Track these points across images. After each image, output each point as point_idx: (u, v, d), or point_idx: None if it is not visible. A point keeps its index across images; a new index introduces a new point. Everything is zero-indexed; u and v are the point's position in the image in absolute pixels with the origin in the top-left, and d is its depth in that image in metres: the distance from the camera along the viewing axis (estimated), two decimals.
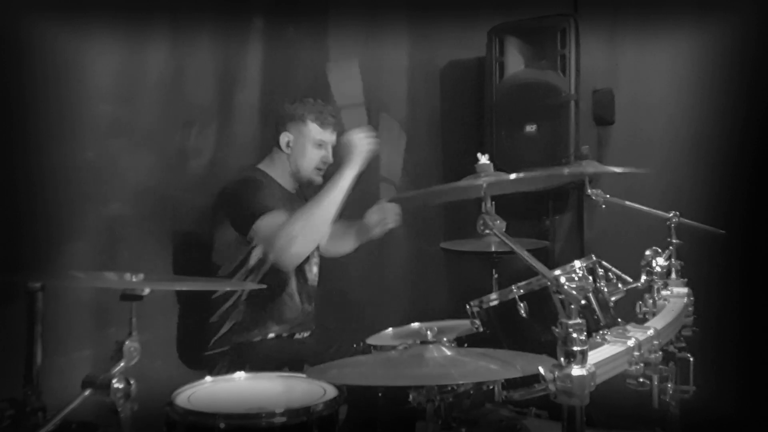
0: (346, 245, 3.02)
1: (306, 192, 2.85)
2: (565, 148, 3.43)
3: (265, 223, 2.50)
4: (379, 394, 2.24)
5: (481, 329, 2.08)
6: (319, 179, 2.77)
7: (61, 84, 2.44)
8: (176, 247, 2.86)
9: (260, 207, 2.54)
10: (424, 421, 1.88)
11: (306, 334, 2.79)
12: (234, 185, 2.68)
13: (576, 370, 1.37)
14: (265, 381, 2.04)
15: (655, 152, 3.32)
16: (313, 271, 2.86)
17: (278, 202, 2.61)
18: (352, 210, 2.91)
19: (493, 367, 1.73)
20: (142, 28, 2.72)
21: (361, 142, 2.54)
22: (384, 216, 2.93)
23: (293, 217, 2.49)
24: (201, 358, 2.68)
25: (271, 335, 2.68)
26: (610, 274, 2.14)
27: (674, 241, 2.48)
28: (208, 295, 2.69)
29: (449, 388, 1.92)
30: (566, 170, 2.84)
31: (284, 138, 2.75)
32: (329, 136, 2.76)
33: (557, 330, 1.40)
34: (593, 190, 2.75)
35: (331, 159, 2.78)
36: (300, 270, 2.76)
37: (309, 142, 2.74)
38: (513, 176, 1.79)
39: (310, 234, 2.48)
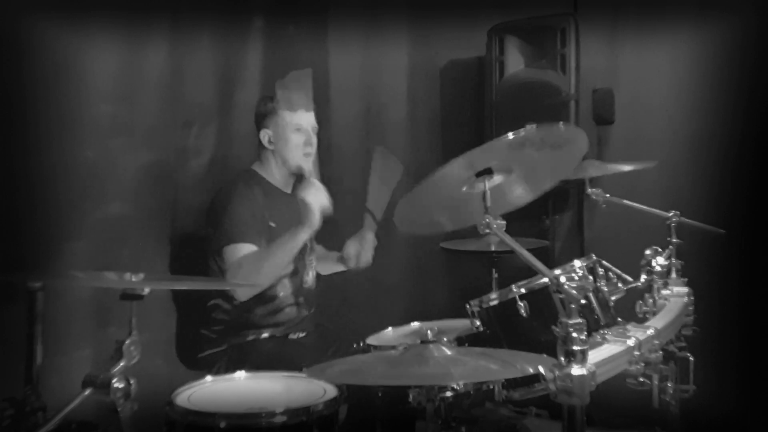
0: (331, 268, 3.00)
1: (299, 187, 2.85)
2: None
3: (231, 255, 2.54)
4: (379, 394, 2.24)
5: (481, 329, 2.08)
6: (309, 165, 2.77)
7: (61, 84, 2.44)
8: (175, 247, 2.86)
9: (227, 235, 2.56)
10: (424, 421, 1.88)
11: (302, 335, 2.79)
12: (223, 193, 2.68)
13: (576, 370, 1.37)
14: (265, 381, 2.04)
15: (655, 152, 3.31)
16: (310, 275, 2.86)
17: (250, 223, 2.61)
18: (335, 240, 2.94)
19: (493, 366, 1.73)
20: (142, 28, 2.72)
21: (315, 199, 2.50)
22: (361, 248, 2.89)
23: (251, 259, 2.52)
24: (197, 360, 2.68)
25: (265, 335, 2.68)
26: (610, 273, 2.14)
27: (674, 240, 2.48)
28: (206, 295, 2.69)
29: (449, 388, 1.92)
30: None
31: (264, 135, 2.76)
32: (305, 118, 2.75)
33: (557, 329, 1.40)
34: (593, 190, 2.75)
35: (314, 141, 2.78)
36: (296, 274, 2.76)
37: (287, 130, 2.73)
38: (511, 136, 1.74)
39: (263, 276, 2.53)
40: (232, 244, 2.54)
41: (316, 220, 2.49)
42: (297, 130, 2.74)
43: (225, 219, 2.59)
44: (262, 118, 2.79)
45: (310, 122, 2.78)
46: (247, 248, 2.55)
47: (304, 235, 2.52)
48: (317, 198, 2.50)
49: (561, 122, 3.10)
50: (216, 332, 2.68)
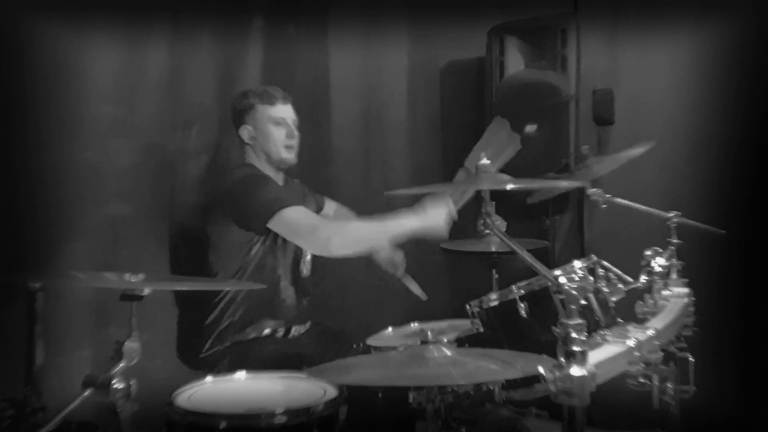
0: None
1: (291, 179, 2.85)
2: (565, 148, 3.43)
3: (291, 216, 2.48)
4: (379, 394, 2.24)
5: (482, 329, 2.08)
6: (291, 156, 2.75)
7: (61, 84, 2.45)
8: (176, 247, 2.86)
9: (276, 201, 2.51)
10: (424, 422, 1.88)
11: (302, 330, 2.78)
12: (236, 183, 2.64)
13: (576, 371, 1.37)
14: (265, 381, 2.03)
15: (655, 152, 3.31)
16: (307, 260, 2.84)
17: (290, 194, 2.59)
18: None
19: (493, 367, 1.73)
20: (142, 28, 2.73)
21: (440, 218, 2.50)
22: (393, 260, 2.93)
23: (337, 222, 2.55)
24: (198, 360, 2.68)
25: (267, 331, 2.68)
26: (610, 274, 2.13)
27: (674, 241, 2.48)
28: (207, 295, 2.69)
29: (449, 389, 1.92)
30: (564, 183, 2.85)
31: (245, 132, 2.74)
32: (282, 110, 2.74)
33: (557, 330, 1.40)
34: (593, 190, 2.75)
35: (295, 133, 2.76)
36: (294, 263, 2.75)
37: (267, 124, 2.72)
38: (510, 186, 1.78)
39: (346, 242, 2.49)
40: (289, 207, 2.49)
41: (433, 229, 2.49)
42: (277, 123, 2.73)
43: (264, 190, 2.55)
44: (240, 115, 2.76)
45: (290, 114, 2.77)
46: (301, 211, 2.52)
47: (411, 225, 2.46)
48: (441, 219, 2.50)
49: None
50: (217, 331, 2.67)
